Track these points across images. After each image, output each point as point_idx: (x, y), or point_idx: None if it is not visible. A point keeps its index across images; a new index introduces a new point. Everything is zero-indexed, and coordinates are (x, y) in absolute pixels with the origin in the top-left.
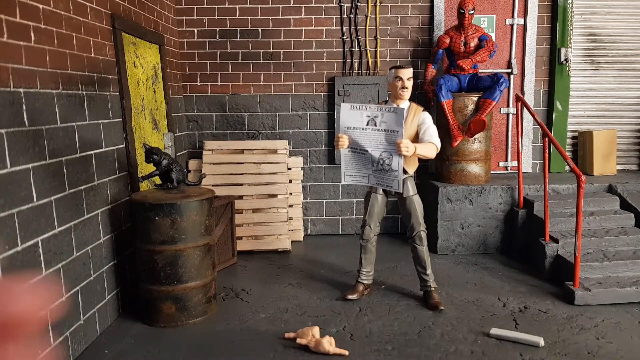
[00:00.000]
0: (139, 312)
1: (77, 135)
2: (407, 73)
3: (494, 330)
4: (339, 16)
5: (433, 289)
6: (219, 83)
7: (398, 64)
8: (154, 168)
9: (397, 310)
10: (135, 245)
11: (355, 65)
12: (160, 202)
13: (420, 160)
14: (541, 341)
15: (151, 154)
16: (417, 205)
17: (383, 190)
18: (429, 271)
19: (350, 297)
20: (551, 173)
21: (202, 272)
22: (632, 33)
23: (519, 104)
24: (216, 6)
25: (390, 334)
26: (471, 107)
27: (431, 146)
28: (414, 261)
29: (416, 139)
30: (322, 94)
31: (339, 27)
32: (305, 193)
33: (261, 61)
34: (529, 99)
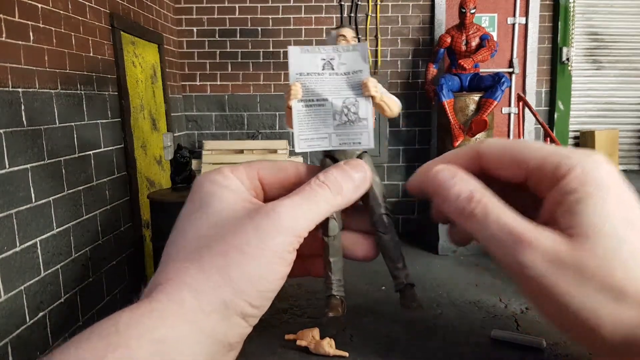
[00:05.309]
0: None
1: (75, 135)
2: (350, 32)
3: (495, 332)
4: (339, 15)
5: (405, 285)
6: (218, 82)
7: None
8: (159, 167)
9: (397, 312)
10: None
11: None
12: None
13: (417, 159)
14: (543, 342)
15: (186, 151)
16: (375, 184)
17: None
18: (399, 264)
19: (332, 314)
20: None
21: None
22: (634, 32)
23: (521, 103)
24: (216, 5)
25: (391, 336)
26: (472, 106)
27: (394, 99)
28: (382, 254)
29: None
30: None
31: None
32: None
33: (261, 60)
34: (531, 98)
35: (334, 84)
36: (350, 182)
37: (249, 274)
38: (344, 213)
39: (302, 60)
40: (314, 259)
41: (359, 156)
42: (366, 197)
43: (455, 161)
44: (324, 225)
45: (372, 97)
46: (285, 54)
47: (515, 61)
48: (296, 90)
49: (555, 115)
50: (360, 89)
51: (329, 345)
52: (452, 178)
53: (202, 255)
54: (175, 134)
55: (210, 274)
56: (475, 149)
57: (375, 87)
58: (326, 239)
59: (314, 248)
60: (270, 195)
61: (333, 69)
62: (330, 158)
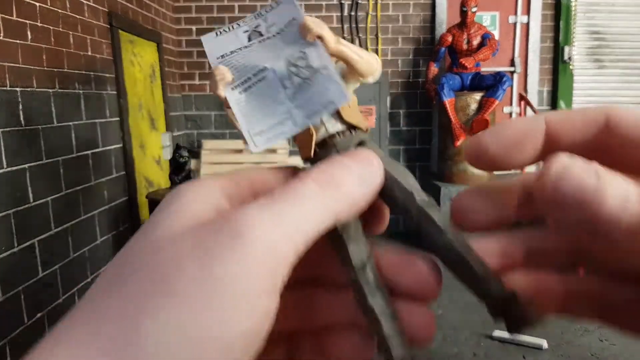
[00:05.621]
0: None
1: (73, 135)
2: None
3: (497, 333)
4: (339, 14)
5: (509, 297)
6: None
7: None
8: (157, 167)
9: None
10: None
11: None
12: None
13: (418, 159)
14: (544, 343)
15: (185, 150)
16: (397, 171)
17: None
18: (480, 269)
19: None
20: None
21: None
22: (636, 31)
23: (522, 103)
24: (215, 4)
25: None
26: (474, 106)
27: (364, 51)
28: (449, 267)
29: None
30: None
31: (340, 25)
32: None
33: None
34: (532, 97)
35: (268, 49)
36: (348, 171)
37: (171, 336)
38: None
39: (219, 43)
40: (339, 333)
41: (361, 142)
42: (389, 194)
43: (566, 132)
44: (341, 252)
45: (322, 39)
46: None
47: (517, 60)
48: (221, 72)
49: None
50: (301, 38)
51: None
52: (595, 176)
53: (109, 293)
54: (174, 134)
55: (101, 333)
56: (603, 114)
57: (319, 25)
58: (353, 273)
59: (336, 314)
60: None
61: (262, 35)
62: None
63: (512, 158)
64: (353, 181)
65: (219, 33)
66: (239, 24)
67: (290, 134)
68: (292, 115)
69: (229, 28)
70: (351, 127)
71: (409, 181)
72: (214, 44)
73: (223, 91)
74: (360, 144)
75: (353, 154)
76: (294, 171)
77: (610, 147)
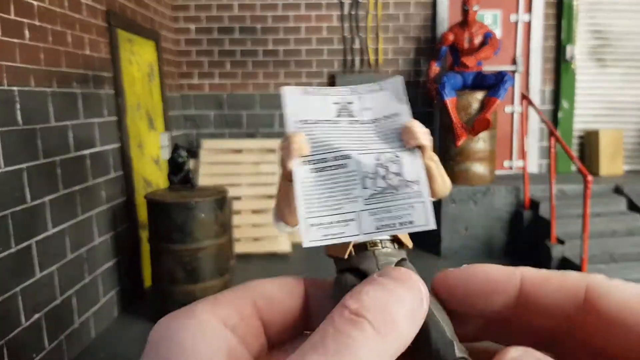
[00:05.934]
0: (142, 314)
1: (71, 135)
2: None
3: None
4: (339, 12)
5: None
6: (216, 81)
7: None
8: (156, 167)
9: None
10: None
11: (357, 62)
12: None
13: None
14: None
15: (184, 150)
16: (435, 307)
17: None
18: None
19: None
20: (557, 173)
21: (221, 268)
22: (639, 30)
23: (524, 102)
24: (214, 2)
25: None
26: (475, 105)
27: (445, 174)
28: None
29: None
30: None
31: (340, 24)
32: None
33: (260, 59)
34: (534, 97)
35: (358, 134)
36: (403, 306)
37: None
38: None
39: (304, 104)
40: None
41: (398, 263)
42: (424, 328)
43: (541, 298)
44: None
45: (422, 149)
46: (286, 52)
47: (519, 59)
48: (299, 143)
49: (560, 114)
50: (399, 139)
51: None
52: None
53: None
54: (172, 133)
55: None
56: (583, 287)
57: (425, 133)
58: None
59: None
60: (275, 337)
61: (353, 117)
62: (351, 271)
63: (477, 306)
64: (406, 317)
65: (305, 92)
66: (329, 92)
67: (351, 238)
68: (360, 218)
69: (317, 91)
70: (397, 241)
71: (446, 321)
72: (298, 102)
73: (294, 163)
74: (401, 261)
75: (403, 279)
76: (303, 283)
77: (588, 322)
